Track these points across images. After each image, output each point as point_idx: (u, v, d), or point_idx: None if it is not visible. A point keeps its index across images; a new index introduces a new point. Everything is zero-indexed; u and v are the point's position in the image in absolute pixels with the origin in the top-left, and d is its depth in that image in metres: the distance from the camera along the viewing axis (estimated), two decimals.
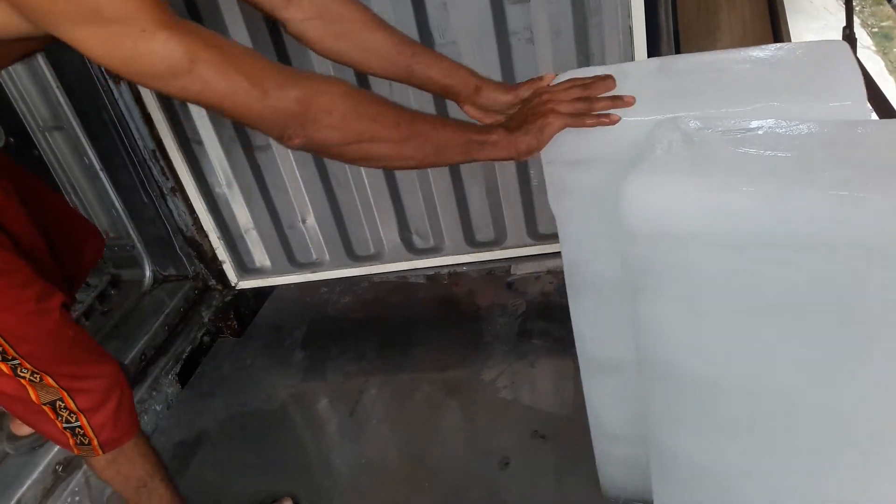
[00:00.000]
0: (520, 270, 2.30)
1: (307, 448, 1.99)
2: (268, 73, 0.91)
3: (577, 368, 2.01)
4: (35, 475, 1.75)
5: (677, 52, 1.66)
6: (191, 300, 2.31)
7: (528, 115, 1.08)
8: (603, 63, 1.74)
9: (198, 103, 0.93)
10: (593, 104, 1.05)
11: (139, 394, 2.02)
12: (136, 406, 1.95)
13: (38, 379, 1.30)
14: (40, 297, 1.28)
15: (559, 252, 2.09)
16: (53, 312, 1.30)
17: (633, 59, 1.71)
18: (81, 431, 1.39)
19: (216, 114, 1.13)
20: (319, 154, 1.27)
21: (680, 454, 1.09)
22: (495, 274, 2.32)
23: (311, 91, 0.92)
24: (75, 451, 1.43)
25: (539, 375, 2.03)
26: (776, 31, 1.95)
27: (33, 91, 2.05)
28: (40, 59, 1.96)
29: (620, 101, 1.05)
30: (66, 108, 2.03)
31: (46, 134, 2.12)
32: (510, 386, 1.99)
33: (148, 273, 2.32)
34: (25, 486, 1.72)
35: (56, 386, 1.33)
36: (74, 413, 1.37)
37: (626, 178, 0.90)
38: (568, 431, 1.80)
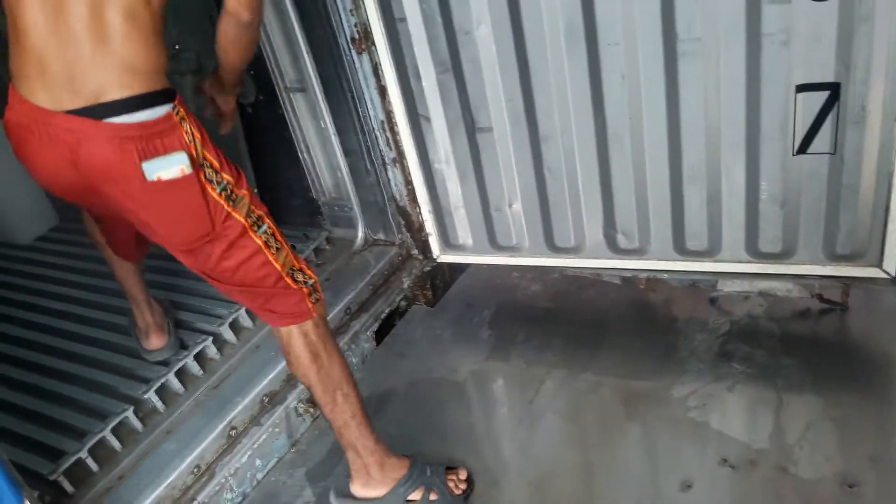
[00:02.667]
0: (727, 287, 2.16)
1: (482, 425, 2.03)
2: None
3: (780, 401, 1.88)
4: (245, 402, 1.96)
5: None
6: (394, 265, 2.45)
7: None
8: (867, 76, 1.56)
9: None
10: None
11: (340, 344, 2.16)
12: None
13: (278, 245, 1.54)
14: None
15: (776, 274, 1.95)
16: None
17: None
18: (315, 287, 1.61)
19: None
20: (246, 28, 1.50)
21: None
22: (699, 286, 2.20)
23: None
24: (312, 310, 1.59)
25: (735, 401, 1.91)
26: None
27: (285, 54, 2.25)
28: (295, 23, 2.13)
29: None
30: (310, 72, 2.20)
31: (291, 95, 2.33)
32: (701, 407, 1.88)
33: (360, 235, 2.49)
34: (237, 410, 1.94)
35: (287, 247, 1.56)
36: (304, 271, 1.60)
37: None
38: (760, 467, 1.68)
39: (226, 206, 1.45)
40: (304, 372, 1.64)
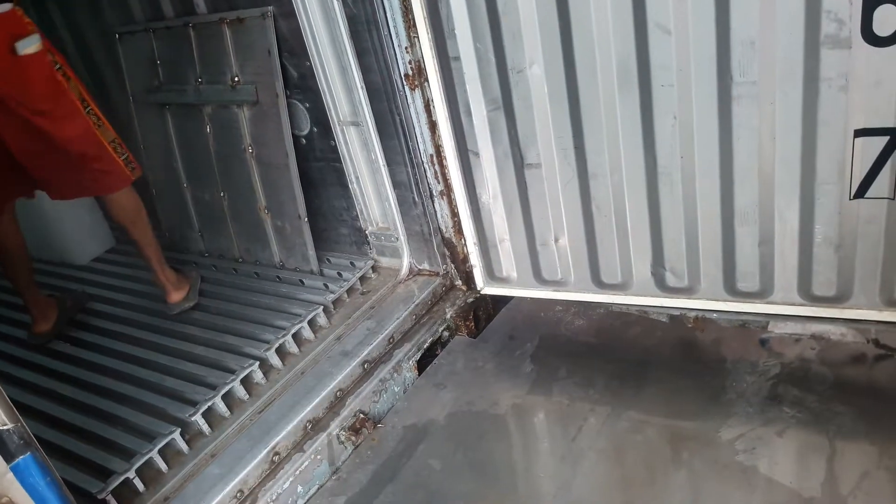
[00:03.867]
0: (778, 328, 2.12)
1: (523, 461, 2.02)
2: None
3: (832, 449, 1.82)
4: (289, 428, 1.98)
5: None
6: (438, 295, 2.46)
7: None
8: None
9: None
10: None
11: (382, 373, 2.19)
12: (377, 385, 2.15)
13: (101, 124, 2.22)
14: None
15: (829, 318, 1.91)
16: None
17: None
18: (129, 158, 2.33)
19: None
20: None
21: None
22: (749, 327, 2.16)
23: None
24: (130, 175, 2.33)
25: (785, 447, 1.86)
26: None
27: (341, 89, 2.31)
28: (351, 60, 2.19)
29: None
30: (364, 107, 2.26)
31: (344, 128, 2.38)
32: (750, 451, 1.84)
33: (405, 264, 2.51)
34: (281, 436, 1.96)
35: (110, 127, 2.26)
36: (123, 147, 2.31)
37: None
38: None
39: (63, 83, 2.12)
40: (133, 220, 2.45)
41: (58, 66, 2.12)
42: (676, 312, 2.15)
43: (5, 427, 1.29)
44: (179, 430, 1.97)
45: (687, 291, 2.04)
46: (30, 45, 2.00)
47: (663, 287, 2.08)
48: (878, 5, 1.49)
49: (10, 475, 1.30)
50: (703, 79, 1.69)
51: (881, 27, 1.50)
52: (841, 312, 1.86)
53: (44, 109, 2.10)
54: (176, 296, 2.58)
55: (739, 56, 1.63)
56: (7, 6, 1.98)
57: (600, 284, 2.18)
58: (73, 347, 2.54)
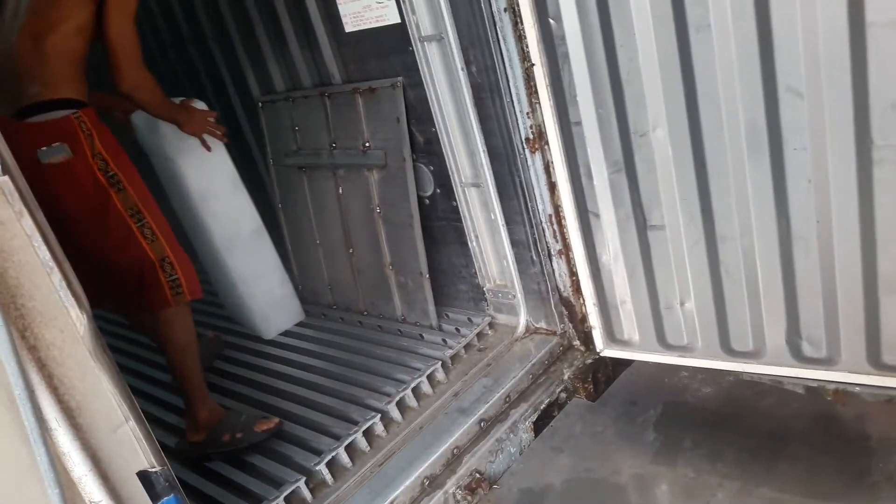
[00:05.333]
0: None
1: None
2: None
3: None
4: (407, 483, 2.01)
5: None
6: (555, 355, 2.44)
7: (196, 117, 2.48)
8: None
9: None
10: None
11: (499, 433, 2.18)
12: (494, 444, 2.15)
13: (154, 238, 2.13)
14: None
15: None
16: None
17: None
18: (178, 283, 2.18)
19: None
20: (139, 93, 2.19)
21: None
22: None
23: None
24: (170, 299, 2.17)
25: None
26: None
27: (463, 153, 2.40)
28: (474, 124, 2.27)
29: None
30: (486, 169, 2.32)
31: (465, 189, 2.46)
32: None
33: (522, 322, 2.52)
34: (399, 491, 1.99)
35: (165, 245, 2.15)
36: (175, 267, 2.16)
37: None
38: None
39: (109, 190, 2.06)
40: (163, 344, 2.31)
41: (107, 176, 2.07)
42: (814, 384, 2.02)
43: (154, 469, 1.40)
44: (304, 478, 2.05)
45: (826, 362, 1.91)
46: (53, 155, 1.98)
47: (799, 357, 1.96)
48: None
49: None
50: (840, 142, 1.62)
51: None
52: None
53: (77, 219, 2.05)
54: (195, 436, 2.31)
55: (880, 119, 1.55)
56: (61, 113, 2.01)
57: (730, 351, 2.09)
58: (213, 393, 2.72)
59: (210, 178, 2.73)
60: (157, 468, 1.40)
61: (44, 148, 1.99)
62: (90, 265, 2.05)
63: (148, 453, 1.37)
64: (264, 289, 2.95)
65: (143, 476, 1.38)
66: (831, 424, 2.08)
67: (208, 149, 2.56)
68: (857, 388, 1.98)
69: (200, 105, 2.57)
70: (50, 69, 2.02)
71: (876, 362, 1.84)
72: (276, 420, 2.33)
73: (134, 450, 1.35)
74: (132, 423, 1.35)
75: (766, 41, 1.62)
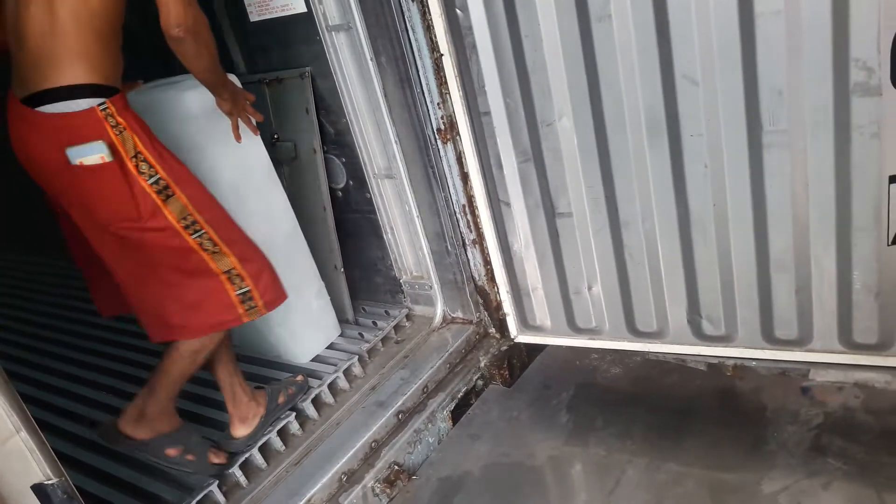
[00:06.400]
0: (820, 376, 2.07)
1: None
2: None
3: (881, 502, 1.75)
4: (324, 480, 1.99)
5: None
6: (471, 344, 2.47)
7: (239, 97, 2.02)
8: None
9: None
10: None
11: (417, 423, 2.19)
12: (412, 435, 2.15)
13: (216, 249, 1.74)
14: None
15: (872, 365, 1.87)
16: None
17: None
18: (250, 295, 1.81)
19: None
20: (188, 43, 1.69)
21: None
22: (789, 375, 2.12)
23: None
24: (244, 317, 1.81)
25: (832, 500, 1.80)
26: None
27: (376, 144, 2.38)
28: (385, 116, 2.26)
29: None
30: (399, 160, 2.31)
31: (379, 181, 2.44)
32: None
33: (439, 312, 2.53)
34: (316, 488, 1.96)
35: (230, 254, 1.76)
36: (245, 279, 1.79)
37: None
38: None
39: (155, 198, 1.66)
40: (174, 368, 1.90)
41: (152, 180, 1.65)
42: (714, 361, 2.12)
43: (51, 482, 1.32)
44: (217, 482, 1.98)
45: (724, 339, 2.02)
46: (87, 155, 1.59)
47: (700, 335, 2.05)
48: None
49: None
50: (733, 128, 1.71)
51: None
52: (884, 360, 1.82)
53: (115, 233, 1.70)
54: (137, 431, 1.97)
55: (768, 105, 1.65)
56: (82, 103, 1.59)
57: (636, 332, 2.17)
58: (116, 398, 2.59)
59: (245, 171, 2.26)
60: (55, 480, 1.33)
61: (74, 146, 1.59)
62: (139, 287, 1.80)
63: (43, 465, 1.30)
64: (302, 302, 2.41)
65: (39, 489, 1.30)
66: (731, 398, 2.19)
67: (238, 138, 2.06)
68: (754, 363, 2.10)
69: (236, 81, 2.12)
70: (66, 42, 1.58)
71: (770, 338, 1.95)
72: (226, 455, 2.06)
73: (27, 462, 1.27)
74: (24, 433, 1.28)
75: (663, 31, 1.69)
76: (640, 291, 2.08)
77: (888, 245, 1.68)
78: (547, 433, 2.24)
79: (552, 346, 2.47)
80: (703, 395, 2.23)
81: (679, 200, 1.88)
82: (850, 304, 1.79)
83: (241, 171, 2.25)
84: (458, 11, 1.95)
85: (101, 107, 1.60)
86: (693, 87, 1.71)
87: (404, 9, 2.04)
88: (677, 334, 2.08)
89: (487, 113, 2.04)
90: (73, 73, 1.59)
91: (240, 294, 1.79)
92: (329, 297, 2.56)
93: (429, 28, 2.03)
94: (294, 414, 2.18)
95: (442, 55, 2.04)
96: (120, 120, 1.62)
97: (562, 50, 1.84)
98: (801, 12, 1.54)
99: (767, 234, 1.81)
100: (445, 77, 2.07)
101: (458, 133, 2.14)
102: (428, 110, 2.15)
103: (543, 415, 2.31)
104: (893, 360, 1.81)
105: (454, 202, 2.28)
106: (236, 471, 2.01)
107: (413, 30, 2.06)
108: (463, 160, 2.18)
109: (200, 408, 2.35)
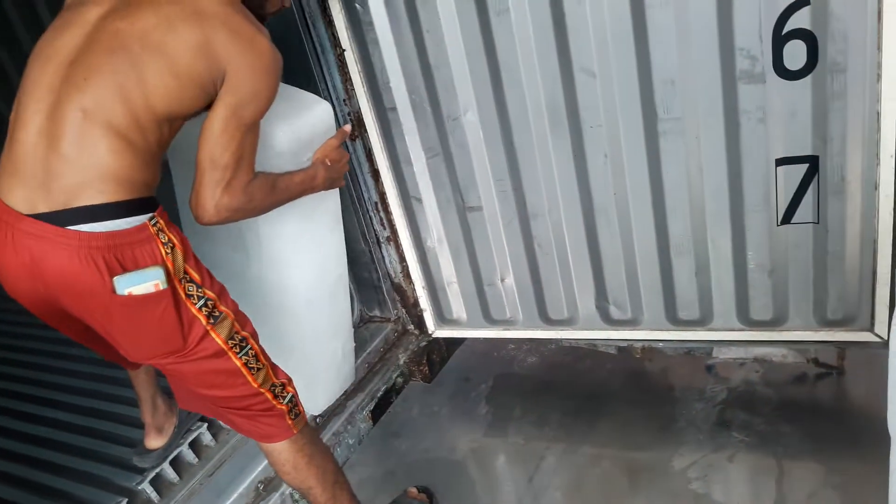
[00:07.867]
0: (722, 354, 2.17)
1: None
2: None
3: (781, 470, 1.86)
4: (241, 490, 1.92)
5: None
6: (390, 342, 2.45)
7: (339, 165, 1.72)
8: (844, 149, 1.62)
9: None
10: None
11: (335, 426, 2.15)
12: (331, 438, 2.12)
13: (260, 366, 1.49)
14: None
15: (769, 341, 1.97)
16: None
17: (878, 145, 1.58)
18: (294, 401, 1.56)
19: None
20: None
21: None
22: (694, 354, 2.21)
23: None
24: (293, 428, 1.56)
25: (736, 471, 1.90)
26: None
27: None
28: None
29: None
30: None
31: None
32: (703, 478, 1.87)
33: (356, 312, 2.49)
34: (232, 499, 1.90)
35: (266, 364, 1.51)
36: (286, 387, 1.55)
37: None
38: None
39: (205, 324, 1.39)
40: (303, 479, 1.61)
41: (200, 303, 1.39)
42: (624, 344, 2.19)
43: None
44: (126, 500, 1.89)
45: (631, 323, 2.08)
46: (138, 283, 1.31)
47: (608, 320, 2.11)
48: (787, 41, 1.57)
49: None
50: (630, 118, 1.75)
51: (791, 62, 1.58)
52: (780, 335, 1.91)
53: (156, 363, 1.48)
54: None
55: (662, 94, 1.70)
56: (127, 222, 1.30)
57: (548, 321, 2.20)
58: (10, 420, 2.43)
59: (311, 217, 1.87)
60: None
61: (124, 274, 1.29)
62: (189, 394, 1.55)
63: None
64: (330, 349, 2.12)
65: None
66: (641, 379, 2.27)
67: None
68: (661, 344, 2.17)
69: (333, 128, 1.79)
70: (116, 155, 1.28)
71: (674, 319, 2.03)
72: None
73: None
74: None
75: (559, 23, 1.71)
76: (551, 281, 2.12)
77: (777, 225, 1.77)
78: (467, 426, 2.26)
79: (470, 339, 2.49)
80: (614, 379, 2.31)
81: (582, 190, 1.92)
82: (746, 283, 1.87)
83: (308, 217, 1.87)
84: (357, 6, 1.92)
85: (153, 221, 1.33)
86: (591, 78, 1.75)
87: (304, 3, 1.99)
88: (587, 320, 2.13)
89: (394, 109, 2.03)
90: (119, 188, 1.30)
91: (287, 403, 1.56)
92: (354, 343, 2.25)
93: (330, 23, 1.99)
94: (206, 424, 2.10)
95: (344, 51, 2.01)
96: (170, 235, 1.35)
97: (463, 44, 1.84)
98: (688, 3, 1.59)
99: (666, 220, 1.87)
100: (349, 73, 2.04)
101: (366, 130, 2.11)
102: (334, 106, 2.10)
103: (463, 408, 2.33)
104: (788, 334, 1.91)
105: (366, 199, 2.26)
106: (146, 487, 1.92)
107: (314, 25, 2.02)
108: (373, 157, 2.15)
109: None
